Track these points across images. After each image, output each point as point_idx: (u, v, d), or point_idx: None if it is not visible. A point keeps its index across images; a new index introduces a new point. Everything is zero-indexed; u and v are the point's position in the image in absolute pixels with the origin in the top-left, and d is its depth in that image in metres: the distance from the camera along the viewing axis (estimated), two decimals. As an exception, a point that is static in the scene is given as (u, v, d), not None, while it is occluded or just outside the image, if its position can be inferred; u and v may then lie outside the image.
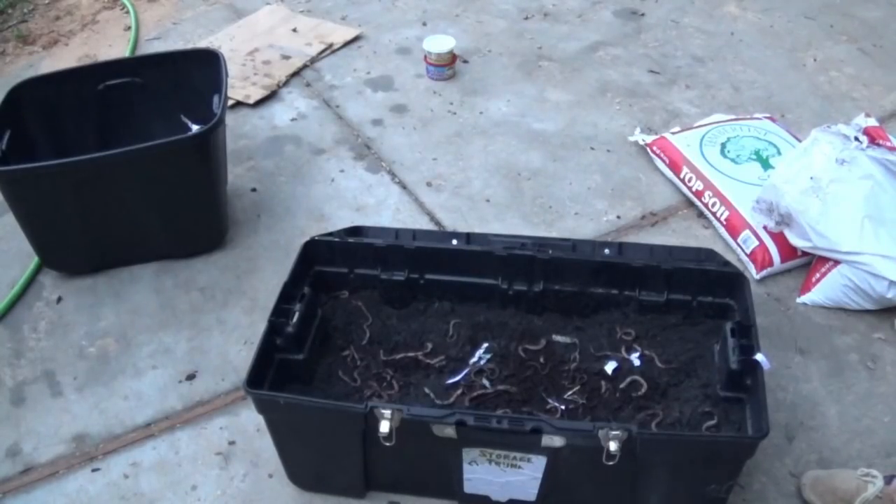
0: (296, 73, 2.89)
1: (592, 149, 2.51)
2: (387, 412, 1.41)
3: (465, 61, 2.92)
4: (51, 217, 2.03)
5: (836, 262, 1.96)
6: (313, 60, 2.95)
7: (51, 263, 2.16)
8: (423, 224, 2.26)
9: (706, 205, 2.20)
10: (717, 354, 1.69)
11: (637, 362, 1.73)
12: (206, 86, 2.15)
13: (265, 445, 1.69)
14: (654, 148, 2.40)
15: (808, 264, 2.06)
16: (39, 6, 3.44)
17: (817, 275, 1.99)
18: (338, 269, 1.86)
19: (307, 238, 1.83)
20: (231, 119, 2.58)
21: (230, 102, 2.69)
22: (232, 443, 1.76)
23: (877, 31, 3.01)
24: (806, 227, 1.96)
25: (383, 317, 1.84)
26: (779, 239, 2.05)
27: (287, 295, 1.68)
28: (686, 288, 1.77)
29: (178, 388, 1.87)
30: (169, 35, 3.16)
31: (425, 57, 2.81)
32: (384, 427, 1.41)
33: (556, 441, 1.40)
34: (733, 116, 2.48)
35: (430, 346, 1.77)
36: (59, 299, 2.10)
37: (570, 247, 1.80)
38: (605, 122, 2.62)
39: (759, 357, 1.50)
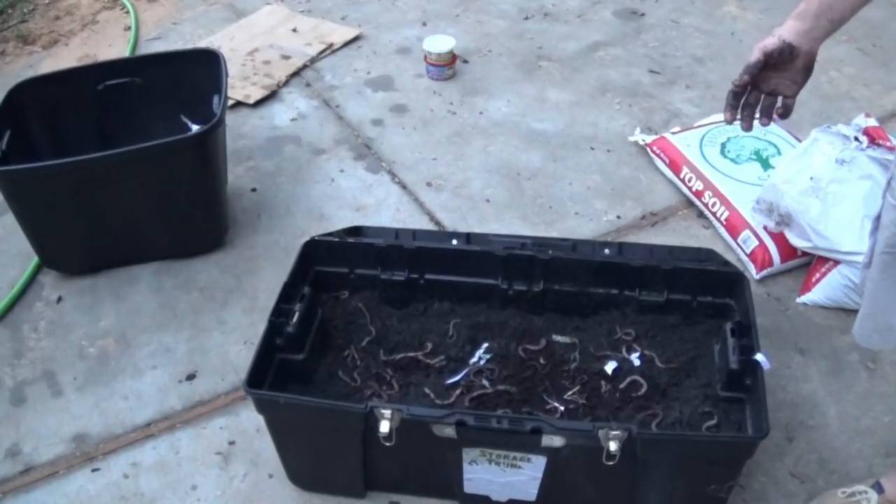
0: (296, 73, 2.89)
1: (592, 149, 2.52)
2: (387, 412, 1.41)
3: (465, 61, 2.92)
4: (51, 217, 2.03)
5: (836, 262, 1.96)
6: (313, 60, 2.95)
7: (51, 263, 2.16)
8: (423, 224, 2.26)
9: (706, 205, 2.20)
10: (717, 354, 1.69)
11: (637, 362, 1.73)
12: (206, 86, 2.15)
13: (265, 445, 1.69)
14: (654, 148, 2.40)
15: (808, 264, 2.06)
16: (39, 6, 3.44)
17: (817, 275, 1.99)
18: (338, 269, 1.86)
19: (307, 238, 1.83)
20: (231, 119, 2.58)
21: (230, 102, 2.69)
22: (232, 443, 1.76)
23: (877, 31, 3.00)
24: (806, 227, 1.96)
25: (383, 317, 1.83)
26: (779, 239, 2.05)
27: (287, 295, 1.68)
28: (686, 288, 1.77)
29: (178, 388, 1.87)
30: (169, 35, 3.16)
31: (425, 57, 2.82)
32: (384, 427, 1.41)
33: (556, 441, 1.40)
34: (733, 116, 2.48)
35: (430, 346, 1.77)
36: (59, 299, 2.10)
37: (570, 247, 1.80)
38: (605, 122, 2.62)
39: (759, 357, 1.50)
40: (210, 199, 2.13)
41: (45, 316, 2.06)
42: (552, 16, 3.19)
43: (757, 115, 1.35)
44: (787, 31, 1.25)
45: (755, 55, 1.26)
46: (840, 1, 1.20)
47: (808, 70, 1.28)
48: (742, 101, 1.33)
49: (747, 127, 1.35)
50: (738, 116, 1.34)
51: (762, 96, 1.33)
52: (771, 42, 1.25)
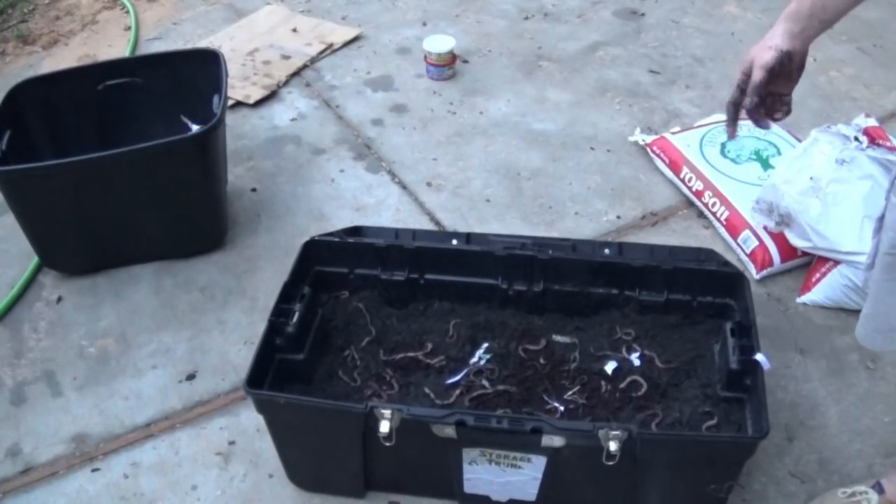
0: (296, 73, 2.89)
1: (592, 149, 2.52)
2: (387, 412, 1.41)
3: (465, 61, 2.92)
4: (51, 217, 2.03)
5: (836, 262, 1.96)
6: (313, 60, 2.95)
7: (51, 263, 2.16)
8: (423, 224, 2.26)
9: (706, 205, 2.20)
10: (717, 354, 1.69)
11: (637, 362, 1.73)
12: (206, 86, 2.15)
13: (265, 445, 1.69)
14: (654, 148, 2.40)
15: (808, 264, 2.06)
16: (39, 6, 3.44)
17: (817, 275, 1.99)
18: (338, 269, 1.86)
19: (307, 238, 1.83)
20: (231, 119, 2.58)
21: (230, 102, 2.69)
22: (232, 443, 1.76)
23: (877, 31, 3.00)
24: (806, 227, 1.96)
25: (383, 317, 1.83)
26: (779, 239, 2.05)
27: (287, 295, 1.68)
28: (686, 288, 1.77)
29: (178, 388, 1.87)
30: (169, 35, 3.16)
31: (425, 57, 2.81)
32: (384, 427, 1.41)
33: (556, 441, 1.40)
34: (733, 116, 2.48)
35: (430, 346, 1.77)
36: (59, 299, 2.10)
37: (570, 247, 1.80)
38: (605, 122, 2.62)
39: (759, 357, 1.50)
40: (210, 199, 2.13)
41: (45, 316, 2.06)
42: (552, 16, 3.18)
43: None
44: (780, 38, 1.25)
45: (758, 75, 1.25)
46: (833, 1, 1.20)
47: (801, 67, 1.29)
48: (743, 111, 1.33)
49: (758, 125, 1.36)
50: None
51: (762, 100, 1.33)
52: (770, 57, 1.24)
